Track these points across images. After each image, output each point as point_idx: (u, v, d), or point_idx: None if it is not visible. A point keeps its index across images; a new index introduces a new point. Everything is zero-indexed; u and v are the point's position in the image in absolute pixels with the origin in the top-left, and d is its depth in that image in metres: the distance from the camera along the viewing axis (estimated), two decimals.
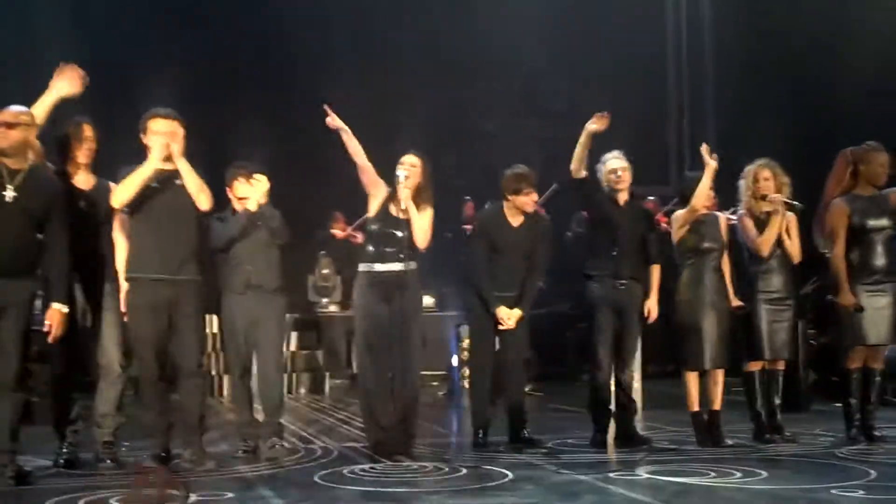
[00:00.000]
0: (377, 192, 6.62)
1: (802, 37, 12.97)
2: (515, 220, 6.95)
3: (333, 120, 6.47)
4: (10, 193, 5.43)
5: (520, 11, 13.62)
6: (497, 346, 7.00)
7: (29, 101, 5.74)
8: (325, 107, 6.45)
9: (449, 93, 13.98)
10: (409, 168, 6.54)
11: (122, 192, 5.96)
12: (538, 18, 13.65)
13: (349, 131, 6.47)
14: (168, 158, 5.96)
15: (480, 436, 6.90)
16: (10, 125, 5.48)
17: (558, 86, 14.70)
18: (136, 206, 6.04)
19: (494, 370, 6.97)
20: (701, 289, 6.82)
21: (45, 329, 5.49)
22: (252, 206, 6.63)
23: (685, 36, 15.51)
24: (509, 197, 6.90)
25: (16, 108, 5.55)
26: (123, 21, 12.76)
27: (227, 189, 6.78)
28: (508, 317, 6.78)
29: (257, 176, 6.69)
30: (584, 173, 6.79)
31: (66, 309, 5.52)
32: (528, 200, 6.90)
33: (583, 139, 6.69)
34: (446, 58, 13.74)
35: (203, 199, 6.03)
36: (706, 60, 15.27)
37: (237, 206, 6.76)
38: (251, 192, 6.65)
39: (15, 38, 12.06)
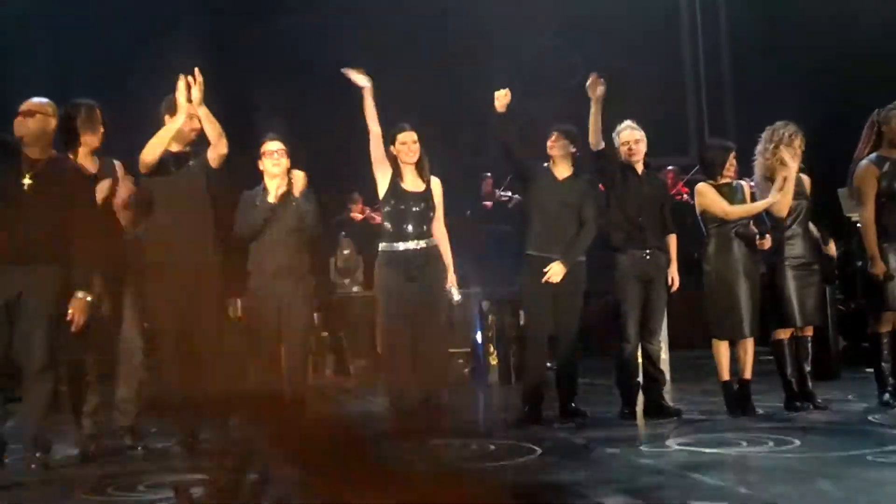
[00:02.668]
0: (384, 171, 6.55)
1: (821, 3, 12.84)
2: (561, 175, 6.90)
3: (357, 75, 6.40)
4: (27, 181, 5.42)
5: None
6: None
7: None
8: (344, 70, 6.40)
9: (464, 71, 13.89)
10: (412, 145, 6.52)
11: (154, 149, 6.00)
12: None
13: (371, 91, 6.40)
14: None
15: (535, 410, 6.75)
16: (29, 114, 5.50)
17: (572, 61, 14.59)
18: (153, 189, 6.10)
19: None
20: (730, 257, 6.74)
21: (69, 317, 5.46)
22: (280, 191, 6.53)
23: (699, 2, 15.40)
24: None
25: (36, 100, 5.60)
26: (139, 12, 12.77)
27: (259, 162, 6.66)
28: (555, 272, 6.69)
29: (295, 172, 6.56)
30: (602, 144, 6.71)
31: (88, 297, 5.49)
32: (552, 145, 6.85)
33: (593, 109, 6.63)
34: (460, 35, 13.66)
35: (222, 143, 6.11)
36: (721, 26, 15.14)
37: (268, 183, 6.51)
38: (280, 171, 6.53)
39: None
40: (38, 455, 5.44)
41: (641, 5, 14.09)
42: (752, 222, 6.80)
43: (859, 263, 6.92)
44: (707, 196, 6.83)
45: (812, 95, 11.75)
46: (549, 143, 6.84)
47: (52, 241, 5.46)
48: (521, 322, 9.75)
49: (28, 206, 5.40)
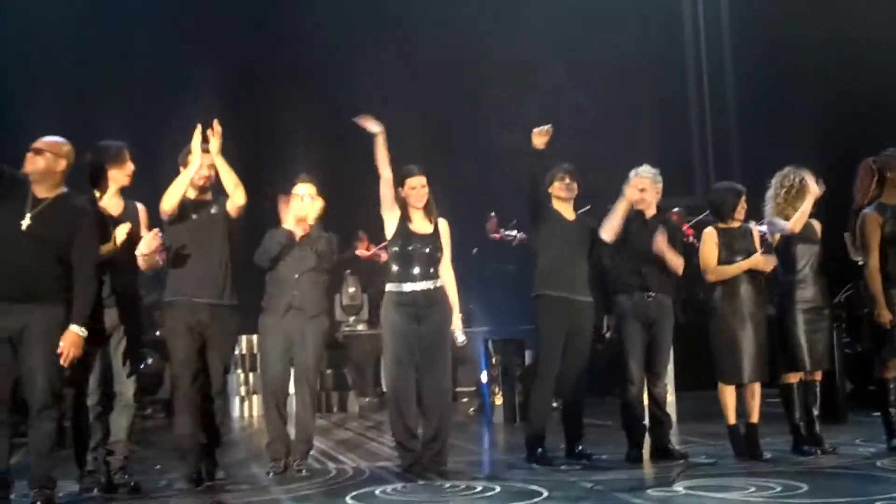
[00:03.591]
0: (392, 212, 6.60)
1: (822, 38, 12.91)
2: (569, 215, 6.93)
3: (370, 121, 6.46)
4: (26, 222, 5.42)
5: (538, 27, 13.62)
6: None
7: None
8: (358, 119, 6.47)
9: (469, 108, 13.96)
10: (420, 189, 6.56)
11: (172, 197, 6.19)
12: (556, 34, 13.65)
13: (383, 137, 6.46)
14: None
15: (540, 452, 6.69)
16: (38, 151, 5.52)
17: (578, 100, 14.65)
18: (174, 233, 6.27)
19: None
20: (737, 301, 6.73)
21: (59, 351, 5.44)
22: (296, 225, 6.67)
23: (703, 42, 15.45)
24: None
25: (49, 139, 5.60)
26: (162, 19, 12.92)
27: (284, 199, 6.80)
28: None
29: (315, 197, 6.71)
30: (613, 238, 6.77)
31: (83, 332, 5.45)
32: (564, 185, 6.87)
33: (621, 208, 6.72)
34: (467, 73, 13.73)
35: (239, 193, 6.29)
36: (726, 66, 15.20)
37: (285, 221, 6.76)
38: (302, 211, 6.66)
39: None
40: (43, 491, 5.40)
41: (644, 48, 14.14)
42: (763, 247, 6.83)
43: (865, 310, 6.91)
44: (705, 246, 6.86)
45: (819, 136, 11.80)
46: (560, 185, 6.84)
47: (53, 280, 5.44)
48: (527, 362, 9.74)
49: (27, 246, 5.38)
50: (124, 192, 6.15)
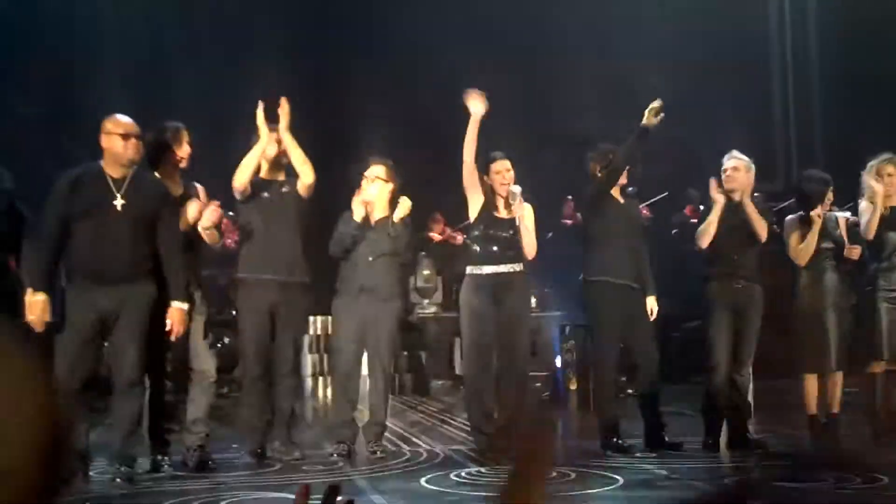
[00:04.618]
0: (476, 195, 6.57)
1: None
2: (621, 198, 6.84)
3: (478, 99, 6.40)
4: (119, 202, 5.49)
5: (620, 12, 13.49)
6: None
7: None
8: (468, 91, 6.41)
9: (545, 93, 13.87)
10: (506, 174, 6.51)
11: (241, 174, 6.27)
12: (635, 17, 13.49)
13: (479, 119, 6.39)
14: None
15: (614, 439, 6.58)
16: (137, 136, 5.61)
17: (654, 83, 14.48)
18: (245, 212, 6.39)
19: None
20: (821, 290, 6.65)
21: (168, 328, 5.56)
22: (374, 215, 6.63)
23: (788, 27, 15.19)
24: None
25: (130, 120, 5.65)
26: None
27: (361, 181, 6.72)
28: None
29: (402, 199, 6.64)
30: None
31: (185, 306, 5.59)
32: None
33: (716, 213, 6.63)
34: (543, 58, 13.65)
35: (306, 171, 6.34)
36: (811, 51, 14.94)
37: (356, 207, 6.61)
38: (369, 194, 6.63)
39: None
40: (122, 469, 5.51)
41: (728, 33, 13.93)
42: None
43: None
44: (791, 232, 6.76)
45: None
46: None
47: (145, 259, 5.53)
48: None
49: (121, 226, 5.45)
50: (191, 174, 6.23)
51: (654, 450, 6.52)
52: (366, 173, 6.65)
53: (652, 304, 6.67)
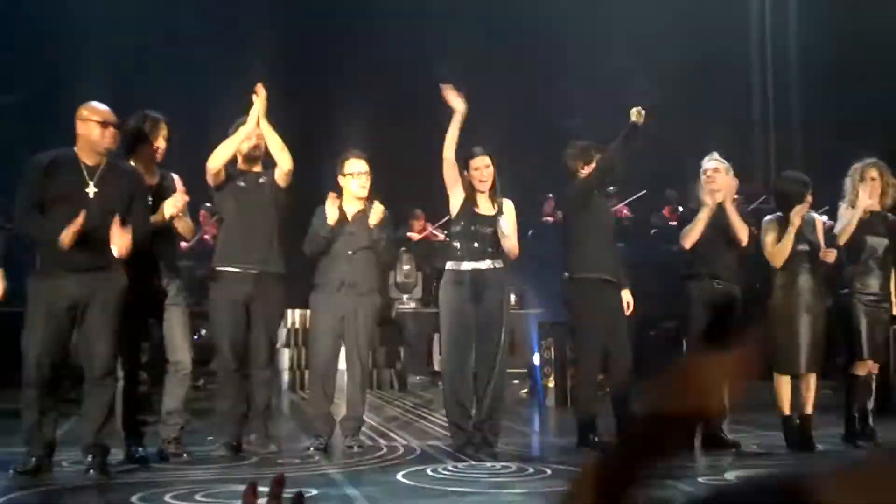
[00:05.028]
0: (456, 191, 6.58)
1: (891, 32, 12.70)
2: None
3: (455, 96, 6.42)
4: (91, 189, 5.46)
5: (605, 12, 13.53)
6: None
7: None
8: (444, 86, 6.43)
9: (530, 92, 13.89)
10: (485, 170, 6.51)
11: (217, 157, 6.21)
12: (623, 19, 13.54)
13: (461, 116, 6.41)
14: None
15: (591, 436, 6.63)
16: (116, 125, 5.59)
17: (641, 86, 14.53)
18: (221, 202, 6.36)
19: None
20: (795, 292, 6.68)
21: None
22: (355, 206, 6.63)
23: (768, 32, 15.28)
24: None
25: (107, 108, 5.61)
26: None
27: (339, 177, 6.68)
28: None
29: (375, 205, 6.60)
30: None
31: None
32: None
33: (704, 217, 6.71)
34: (528, 56, 13.67)
35: (284, 158, 6.29)
36: (791, 53, 15.04)
37: (329, 209, 6.55)
38: (364, 195, 6.62)
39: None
40: (96, 460, 5.48)
41: (711, 37, 14.00)
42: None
43: None
44: (768, 233, 6.79)
45: (886, 130, 11.62)
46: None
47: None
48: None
49: (95, 213, 5.40)
50: (169, 166, 6.21)
51: None
52: (350, 171, 6.59)
53: (627, 297, 6.73)
